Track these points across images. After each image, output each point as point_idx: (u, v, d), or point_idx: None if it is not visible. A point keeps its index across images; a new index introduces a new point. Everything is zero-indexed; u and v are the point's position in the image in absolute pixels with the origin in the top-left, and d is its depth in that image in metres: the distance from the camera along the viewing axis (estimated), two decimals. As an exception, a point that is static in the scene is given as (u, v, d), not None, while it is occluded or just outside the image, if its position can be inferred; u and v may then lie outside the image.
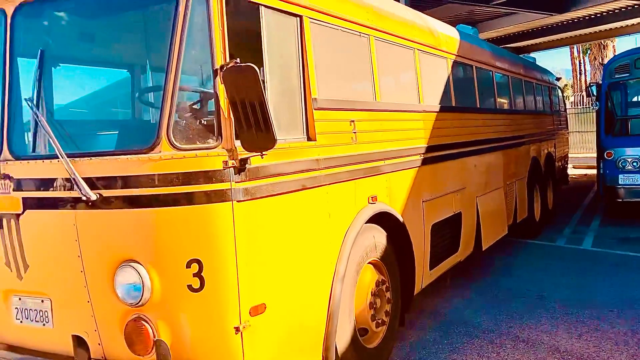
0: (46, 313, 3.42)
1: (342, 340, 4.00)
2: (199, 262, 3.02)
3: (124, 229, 3.09)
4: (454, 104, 6.26)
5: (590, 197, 14.13)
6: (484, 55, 7.73)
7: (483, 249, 6.94)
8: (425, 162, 5.39)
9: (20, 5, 3.36)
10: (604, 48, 35.54)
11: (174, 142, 2.99)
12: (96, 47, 3.72)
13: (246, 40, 3.27)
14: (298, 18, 3.68)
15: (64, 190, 3.18)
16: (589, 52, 38.35)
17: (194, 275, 3.02)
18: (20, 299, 3.51)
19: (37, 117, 3.22)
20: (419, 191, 5.26)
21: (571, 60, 43.89)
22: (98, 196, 3.05)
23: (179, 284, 3.04)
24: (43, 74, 3.33)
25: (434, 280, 5.75)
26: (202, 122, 3.10)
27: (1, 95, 3.40)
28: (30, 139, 3.39)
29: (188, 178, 3.01)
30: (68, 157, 3.09)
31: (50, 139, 3.15)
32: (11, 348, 3.64)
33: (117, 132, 3.62)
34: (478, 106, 7.16)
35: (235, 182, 3.10)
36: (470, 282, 6.98)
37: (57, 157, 3.13)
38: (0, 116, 3.39)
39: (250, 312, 3.18)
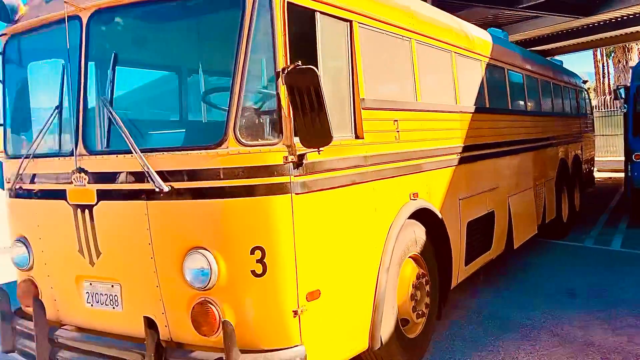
0: (116, 297, 3.68)
1: (386, 329, 4.20)
2: (261, 249, 3.25)
3: (193, 219, 3.34)
4: (487, 105, 6.44)
5: (617, 200, 14.15)
6: (515, 58, 7.90)
7: (515, 248, 7.10)
8: (461, 161, 5.58)
9: (94, 12, 3.63)
10: (628, 51, 35.31)
11: (240, 138, 3.23)
12: (164, 52, 3.98)
13: (303, 44, 3.49)
14: (348, 23, 3.90)
15: (136, 182, 3.44)
16: (612, 55, 38.11)
17: (257, 261, 3.26)
18: (91, 284, 3.77)
19: (112, 115, 3.48)
20: (456, 189, 5.45)
21: (594, 63, 43.61)
22: (170, 188, 3.30)
23: (243, 270, 3.27)
24: (116, 76, 3.59)
25: (469, 276, 5.93)
26: (265, 120, 3.33)
27: (76, 96, 3.67)
28: (104, 135, 3.66)
29: (252, 172, 3.25)
30: (141, 152, 3.34)
31: (124, 136, 3.40)
32: (81, 330, 3.91)
33: (185, 129, 3.87)
34: (509, 108, 7.33)
35: (294, 176, 3.34)
36: (502, 279, 7.15)
37: (130, 152, 3.39)
38: (75, 115, 3.67)
39: (306, 297, 3.41)
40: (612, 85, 35.33)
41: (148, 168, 3.32)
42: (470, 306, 6.15)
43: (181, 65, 4.05)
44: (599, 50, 39.58)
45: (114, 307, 3.69)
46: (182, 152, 3.34)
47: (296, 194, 3.35)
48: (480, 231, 6.10)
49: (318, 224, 3.53)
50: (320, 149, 3.33)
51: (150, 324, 3.40)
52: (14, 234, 4.18)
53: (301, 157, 3.36)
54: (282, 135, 3.30)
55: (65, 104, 3.87)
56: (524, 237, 7.55)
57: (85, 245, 3.68)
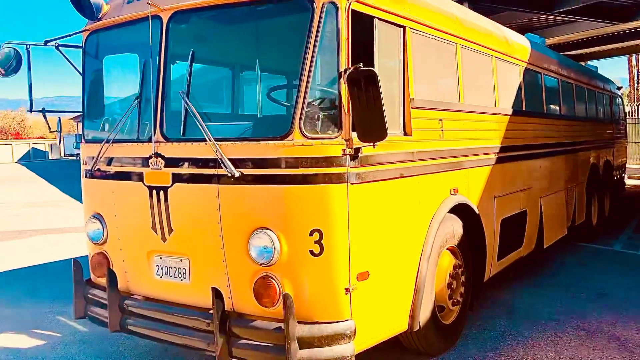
0: (184, 270, 4.09)
1: (424, 313, 4.54)
2: (319, 231, 3.62)
3: (259, 202, 3.72)
4: (524, 109, 6.71)
5: (647, 207, 14.24)
6: (551, 63, 8.14)
7: (544, 247, 7.36)
8: (498, 161, 5.89)
9: (174, 13, 4.04)
10: (663, 57, 34.83)
11: (304, 131, 3.60)
12: (233, 50, 4.37)
13: (362, 46, 3.83)
14: (402, 28, 4.24)
15: (209, 167, 3.84)
16: (646, 61, 37.61)
17: (315, 242, 3.63)
18: (161, 258, 4.19)
19: (189, 107, 3.88)
20: (492, 187, 5.75)
21: (628, 69, 43.01)
22: (240, 173, 3.69)
23: (302, 249, 3.65)
24: (192, 72, 3.98)
25: (500, 271, 6.22)
26: (326, 116, 3.69)
27: (155, 89, 4.08)
28: (179, 125, 4.05)
29: (313, 162, 3.62)
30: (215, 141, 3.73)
31: (200, 126, 3.80)
32: (149, 299, 4.32)
33: (252, 122, 4.25)
34: (545, 112, 7.59)
35: (350, 167, 3.70)
36: (531, 277, 7.42)
37: (204, 141, 3.79)
38: (154, 106, 4.07)
39: (357, 277, 3.77)
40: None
41: (221, 155, 3.71)
42: (501, 301, 6.44)
43: (248, 64, 4.42)
44: (634, 56, 39.08)
45: (181, 280, 4.10)
46: (252, 142, 3.73)
47: (351, 183, 3.71)
48: (512, 229, 6.39)
49: (369, 212, 3.89)
50: (376, 143, 3.68)
51: (217, 294, 3.80)
52: (90, 210, 4.62)
53: (357, 150, 3.72)
54: (342, 129, 3.66)
55: (142, 95, 4.27)
56: (553, 237, 7.80)
57: (159, 223, 4.09)
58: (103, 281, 4.61)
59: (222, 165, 3.73)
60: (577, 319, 5.83)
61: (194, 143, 3.91)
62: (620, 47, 21.92)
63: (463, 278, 5.17)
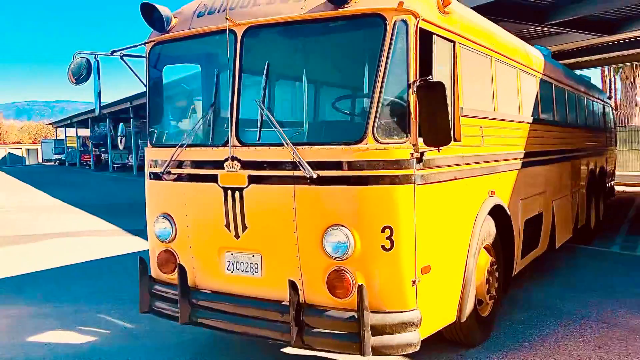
0: (256, 265, 4.40)
1: (468, 306, 4.91)
2: (390, 228, 3.98)
3: (334, 201, 4.06)
4: (540, 117, 7.17)
5: (634, 211, 14.88)
6: (559, 74, 8.63)
7: (556, 247, 7.82)
8: (522, 165, 6.32)
9: (248, 28, 4.37)
10: (636, 67, 35.91)
11: (377, 137, 3.96)
12: (306, 63, 4.69)
13: (423, 60, 4.20)
14: (452, 43, 4.63)
15: (285, 170, 4.17)
16: (620, 71, 38.68)
17: (387, 238, 3.98)
18: (232, 254, 4.50)
19: (266, 113, 4.21)
20: (518, 190, 6.18)
21: (602, 78, 44.11)
22: (316, 175, 4.03)
23: (374, 244, 4.00)
24: (268, 82, 4.32)
25: (521, 269, 6.64)
26: (396, 122, 4.05)
27: (231, 98, 4.39)
28: (254, 130, 4.37)
29: (384, 164, 3.98)
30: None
31: (277, 132, 4.13)
32: (217, 293, 4.62)
33: (326, 128, 4.59)
34: (555, 120, 8.07)
35: (417, 170, 4.06)
36: (546, 276, 7.87)
37: (281, 145, 4.13)
38: (230, 113, 4.39)
39: (421, 270, 4.14)
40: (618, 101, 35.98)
41: (299, 158, 4.05)
42: (522, 297, 6.86)
43: (318, 75, 4.74)
44: (606, 67, 40.21)
45: (253, 274, 4.41)
46: (327, 146, 4.06)
47: (417, 184, 4.07)
48: (532, 229, 6.82)
49: (431, 211, 4.26)
50: (440, 148, 4.06)
51: (293, 286, 4.13)
52: (157, 210, 4.90)
53: (422, 154, 4.09)
54: (410, 135, 4.03)
55: (216, 103, 4.59)
56: (563, 238, 8.27)
57: (233, 221, 4.40)
58: (166, 277, 4.90)
59: (299, 167, 4.06)
60: (595, 313, 6.26)
61: (270, 147, 4.23)
62: (606, 58, 22.73)
63: (497, 274, 5.56)
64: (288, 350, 5.31)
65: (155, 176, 4.95)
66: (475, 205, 5.03)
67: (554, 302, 6.66)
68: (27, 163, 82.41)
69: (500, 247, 5.74)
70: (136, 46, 5.04)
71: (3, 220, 16.22)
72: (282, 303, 4.27)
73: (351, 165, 4.00)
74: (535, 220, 6.96)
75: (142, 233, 12.94)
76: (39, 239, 12.73)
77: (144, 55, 5.07)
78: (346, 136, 4.11)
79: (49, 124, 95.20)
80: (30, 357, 5.35)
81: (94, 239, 12.60)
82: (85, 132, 62.19)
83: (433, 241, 4.29)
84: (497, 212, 5.52)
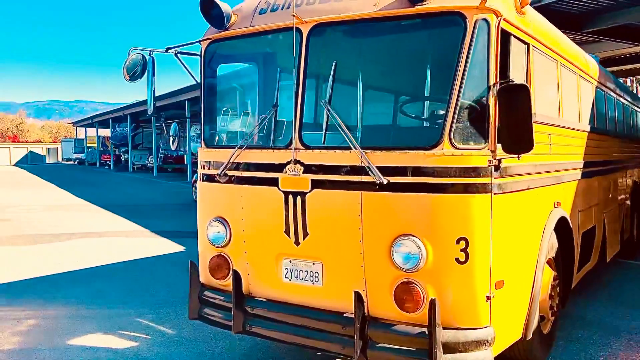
0: (316, 274, 4.19)
1: (534, 322, 4.64)
2: (465, 240, 3.74)
3: (404, 209, 3.84)
4: (595, 126, 6.89)
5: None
6: (610, 81, 8.34)
7: (607, 261, 7.52)
8: (582, 176, 6.05)
9: (315, 26, 4.16)
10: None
11: (454, 142, 3.73)
12: (376, 63, 4.48)
13: (501, 61, 3.96)
14: (527, 46, 4.39)
15: (351, 174, 3.95)
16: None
17: (461, 250, 3.74)
18: (291, 261, 4.29)
19: (332, 115, 4.00)
20: (578, 202, 5.91)
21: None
22: (387, 181, 3.81)
23: (448, 257, 3.76)
24: (334, 83, 4.10)
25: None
26: (475, 127, 3.81)
27: (295, 98, 4.19)
28: (318, 133, 4.17)
29: (461, 171, 3.74)
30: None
31: (345, 135, 3.92)
32: (272, 301, 4.41)
33: (399, 132, 4.36)
34: (607, 128, 7.78)
35: (494, 178, 3.82)
36: (594, 291, 7.56)
37: (348, 149, 3.91)
38: (295, 115, 4.19)
39: (495, 285, 3.89)
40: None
41: (369, 163, 3.83)
42: (575, 313, 6.57)
43: (388, 76, 4.53)
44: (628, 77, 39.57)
45: (313, 283, 4.20)
46: (399, 151, 3.84)
47: (494, 193, 3.83)
48: (587, 243, 6.54)
49: (505, 222, 4.01)
50: (520, 155, 3.82)
51: (359, 298, 3.91)
52: (211, 214, 4.71)
53: (499, 161, 3.86)
54: (488, 141, 3.79)
55: (276, 104, 4.39)
56: (613, 252, 7.96)
57: (293, 227, 4.20)
58: (217, 283, 4.71)
59: (369, 172, 3.84)
60: (653, 331, 5.97)
61: (337, 151, 4.02)
62: (632, 69, 22.30)
63: (558, 289, 5.30)
64: (340, 362, 5.09)
65: (209, 178, 4.77)
66: (543, 216, 4.78)
67: (608, 319, 6.37)
68: (47, 162, 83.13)
69: (560, 261, 5.48)
70: (192, 43, 4.86)
71: (29, 219, 16.19)
72: (344, 315, 4.06)
73: (425, 171, 3.77)
74: (589, 233, 6.67)
75: (169, 235, 12.85)
76: (66, 238, 12.64)
77: (199, 53, 4.89)
78: (419, 141, 3.90)
79: (70, 123, 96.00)
80: (72, 361, 5.19)
81: (122, 239, 12.48)
82: (105, 132, 62.53)
83: (506, 255, 4.05)
84: (560, 225, 5.26)
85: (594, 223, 6.82)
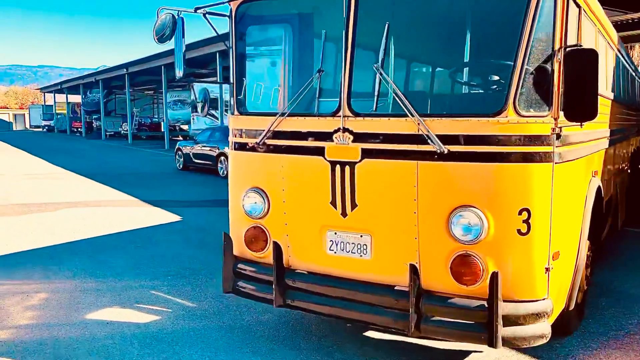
0: (365, 247, 4.03)
1: (576, 292, 4.60)
2: (527, 210, 3.62)
3: (464, 179, 3.68)
4: (616, 94, 6.81)
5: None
6: (622, 49, 8.27)
7: (619, 229, 7.54)
8: (609, 143, 5.99)
9: None
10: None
11: (518, 109, 3.57)
12: (432, 26, 4.23)
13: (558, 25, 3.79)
14: (579, 9, 4.23)
15: (407, 143, 3.77)
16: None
17: (523, 221, 3.62)
18: (336, 233, 4.12)
19: (387, 82, 3.79)
20: (604, 170, 5.85)
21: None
22: (447, 150, 3.64)
23: (510, 228, 3.64)
24: (388, 46, 3.88)
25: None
26: (539, 94, 3.65)
27: (343, 62, 3.96)
28: (368, 99, 3.97)
29: (524, 140, 3.59)
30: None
31: (400, 102, 3.72)
32: (314, 274, 4.25)
33: (458, 99, 4.15)
34: (622, 96, 7.73)
35: (556, 146, 3.69)
36: (610, 259, 7.56)
37: (402, 116, 3.73)
38: (343, 79, 3.97)
39: (552, 257, 3.80)
40: None
41: (428, 131, 3.66)
42: (597, 282, 6.56)
43: (446, 40, 4.28)
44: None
45: (361, 255, 4.05)
46: (461, 118, 3.66)
47: (555, 163, 3.70)
48: (607, 212, 6.52)
49: (562, 192, 3.91)
50: (583, 123, 3.68)
51: (414, 271, 3.77)
52: (246, 184, 4.49)
53: (560, 130, 3.72)
54: (552, 108, 3.64)
55: (320, 68, 4.15)
56: (621, 219, 8.00)
57: (340, 198, 4.02)
58: (253, 255, 4.53)
59: (427, 141, 3.67)
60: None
61: (390, 118, 3.83)
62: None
63: (589, 259, 5.26)
64: (370, 334, 5.00)
65: (242, 147, 4.54)
66: (584, 186, 4.69)
67: (631, 289, 6.38)
68: (14, 129, 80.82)
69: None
70: (222, 3, 4.57)
71: (12, 188, 15.66)
72: (395, 288, 3.93)
73: (488, 139, 3.61)
74: (609, 202, 6.66)
75: (162, 204, 12.55)
76: (55, 207, 12.25)
77: (228, 14, 4.60)
78: (480, 108, 3.73)
79: (37, 89, 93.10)
80: (96, 337, 4.98)
81: (114, 209, 12.14)
82: (75, 98, 60.79)
83: (562, 225, 3.95)
84: (597, 194, 5.20)
85: (612, 191, 6.80)
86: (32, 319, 5.45)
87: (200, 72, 38.35)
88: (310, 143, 4.14)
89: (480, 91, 4.27)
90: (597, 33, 5.16)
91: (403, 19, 4.14)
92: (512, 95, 3.56)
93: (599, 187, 5.11)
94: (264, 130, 4.34)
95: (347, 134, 3.95)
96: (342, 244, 4.12)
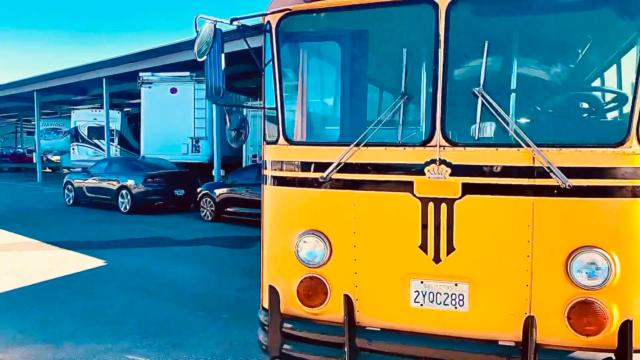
0: (461, 296, 3.48)
1: None
2: None
3: (587, 217, 3.27)
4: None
5: None
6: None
7: None
8: None
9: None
10: None
11: None
12: (542, 45, 3.76)
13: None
14: None
15: (520, 177, 3.31)
16: None
17: None
18: (422, 282, 3.53)
19: (492, 107, 3.31)
20: None
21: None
22: (570, 185, 3.23)
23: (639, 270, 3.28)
24: (487, 66, 3.39)
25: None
26: None
27: (435, 86, 3.43)
28: (464, 127, 3.46)
29: None
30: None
31: (512, 128, 3.27)
32: (393, 332, 3.61)
33: (570, 127, 3.70)
34: None
35: None
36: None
37: (511, 146, 3.28)
38: (434, 104, 3.43)
39: None
40: None
41: (549, 164, 3.22)
42: None
43: (557, 58, 3.84)
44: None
45: (456, 307, 3.49)
46: (583, 149, 3.26)
47: None
48: None
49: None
50: None
51: (532, 323, 3.29)
52: (300, 226, 3.77)
53: None
54: None
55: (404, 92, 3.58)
56: None
57: (434, 241, 3.45)
58: (307, 311, 3.81)
59: (548, 174, 3.24)
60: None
61: (498, 148, 3.35)
62: None
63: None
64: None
65: (284, 181, 3.84)
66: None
67: None
68: None
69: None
70: (263, 15, 3.89)
71: None
72: (500, 343, 3.42)
73: (612, 173, 3.25)
74: None
75: (71, 246, 11.05)
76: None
77: (268, 27, 3.90)
78: (599, 137, 3.36)
79: None
80: None
81: (18, 254, 10.46)
82: None
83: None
84: None
85: None
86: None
87: (76, 99, 35.61)
88: (392, 176, 3.54)
89: (598, 119, 3.90)
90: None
91: (505, 36, 3.70)
92: (635, 123, 3.24)
93: None
94: (321, 162, 3.68)
95: (443, 166, 3.41)
96: (431, 294, 3.53)
